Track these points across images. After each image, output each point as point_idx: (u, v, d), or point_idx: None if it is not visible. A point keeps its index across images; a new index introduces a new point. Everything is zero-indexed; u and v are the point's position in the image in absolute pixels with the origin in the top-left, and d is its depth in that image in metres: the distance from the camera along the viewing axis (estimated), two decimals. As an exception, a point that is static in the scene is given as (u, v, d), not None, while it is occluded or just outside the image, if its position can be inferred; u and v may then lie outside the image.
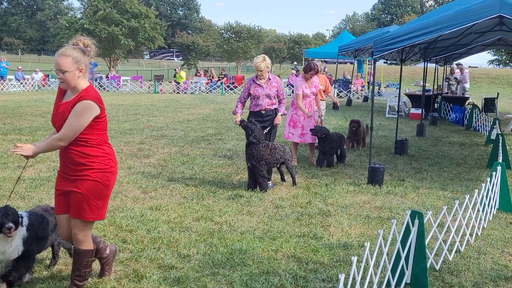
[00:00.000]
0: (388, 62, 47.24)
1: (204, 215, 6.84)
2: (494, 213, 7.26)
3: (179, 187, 8.35)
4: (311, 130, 10.16)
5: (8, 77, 32.23)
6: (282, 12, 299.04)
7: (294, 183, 8.65)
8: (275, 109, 8.67)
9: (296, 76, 30.68)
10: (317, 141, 10.49)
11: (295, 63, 49.16)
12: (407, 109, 21.35)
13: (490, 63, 74.13)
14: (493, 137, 12.08)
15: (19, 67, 35.00)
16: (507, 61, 63.42)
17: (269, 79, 8.57)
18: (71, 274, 4.54)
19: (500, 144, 9.71)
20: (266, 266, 5.23)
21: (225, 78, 35.47)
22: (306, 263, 5.35)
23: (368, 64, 34.92)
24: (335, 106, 22.50)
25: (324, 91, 11.59)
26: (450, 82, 22.18)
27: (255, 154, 8.08)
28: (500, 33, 13.71)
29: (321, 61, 30.41)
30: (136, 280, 4.84)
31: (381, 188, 8.51)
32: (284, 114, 8.98)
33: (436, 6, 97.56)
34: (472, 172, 10.03)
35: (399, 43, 8.93)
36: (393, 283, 4.51)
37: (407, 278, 4.74)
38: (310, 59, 18.78)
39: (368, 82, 33.13)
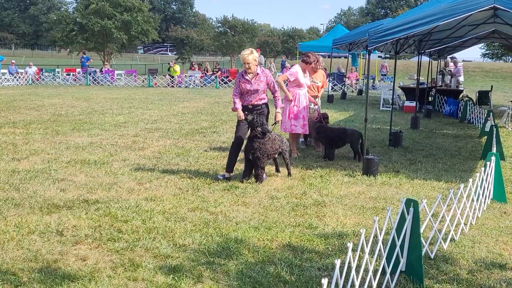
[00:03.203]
0: (383, 56, 47.29)
1: (199, 206, 6.84)
2: (489, 203, 7.29)
3: (174, 178, 8.34)
4: (316, 131, 10.23)
5: (2, 71, 32.08)
6: (276, 6, 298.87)
7: (289, 174, 8.66)
8: (264, 103, 8.44)
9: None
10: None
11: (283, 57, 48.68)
12: (401, 102, 21.38)
13: (482, 57, 74.27)
14: (487, 129, 12.12)
15: (13, 61, 34.83)
16: (500, 55, 63.60)
17: (257, 74, 8.28)
18: None
19: (494, 135, 9.73)
20: (261, 255, 5.23)
21: (219, 72, 35.40)
22: (302, 252, 5.36)
23: (361, 59, 35.01)
24: (329, 99, 22.57)
25: (321, 87, 11.54)
26: (445, 72, 22.21)
27: (261, 147, 8.01)
28: (494, 26, 13.72)
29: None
30: (132, 269, 4.84)
31: (376, 179, 8.53)
32: (281, 108, 8.80)
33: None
34: (466, 164, 10.06)
35: (394, 34, 8.92)
36: (388, 271, 4.52)
37: (402, 266, 4.76)
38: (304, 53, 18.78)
39: (384, 75, 33.93)
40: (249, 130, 8.26)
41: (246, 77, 8.26)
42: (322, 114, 10.86)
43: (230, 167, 8.46)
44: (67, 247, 5.36)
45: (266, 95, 8.52)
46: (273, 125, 8.58)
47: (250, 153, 8.11)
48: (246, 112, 8.21)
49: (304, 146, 11.43)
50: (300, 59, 10.76)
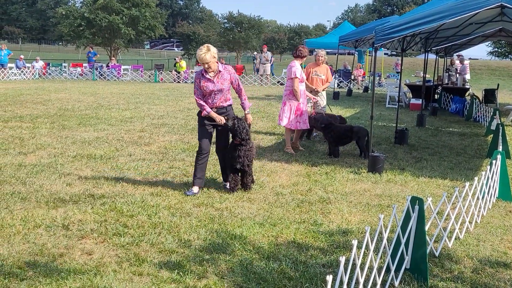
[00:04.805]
0: (389, 53, 47.23)
1: (204, 202, 6.86)
2: (494, 201, 7.27)
3: (179, 173, 8.37)
4: (310, 118, 10.32)
5: (9, 65, 32.18)
6: (282, 2, 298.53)
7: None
8: (229, 105, 7.47)
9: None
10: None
11: (255, 53, 47.77)
12: (407, 99, 21.34)
13: (489, 54, 73.88)
14: (493, 127, 12.08)
15: (21, 56, 34.93)
16: (507, 53, 63.27)
17: (220, 71, 7.25)
18: None
19: (500, 134, 9.70)
20: (266, 251, 5.25)
21: (225, 68, 35.26)
22: (306, 248, 5.37)
23: (367, 56, 34.98)
24: (335, 96, 22.55)
25: (326, 80, 11.54)
26: (450, 73, 22.16)
27: (248, 154, 7.38)
28: (501, 24, 13.68)
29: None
30: (137, 264, 4.87)
31: (381, 176, 8.53)
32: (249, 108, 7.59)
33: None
34: (472, 162, 10.04)
35: (401, 31, 8.89)
36: (392, 268, 4.53)
37: (406, 263, 4.77)
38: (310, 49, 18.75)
39: (398, 72, 34.04)
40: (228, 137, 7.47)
41: (207, 76, 7.21)
42: (340, 117, 10.99)
43: (224, 175, 7.81)
44: (73, 241, 5.39)
45: (231, 96, 7.58)
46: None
47: (237, 163, 7.31)
48: (225, 117, 7.34)
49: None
50: (295, 55, 10.61)
